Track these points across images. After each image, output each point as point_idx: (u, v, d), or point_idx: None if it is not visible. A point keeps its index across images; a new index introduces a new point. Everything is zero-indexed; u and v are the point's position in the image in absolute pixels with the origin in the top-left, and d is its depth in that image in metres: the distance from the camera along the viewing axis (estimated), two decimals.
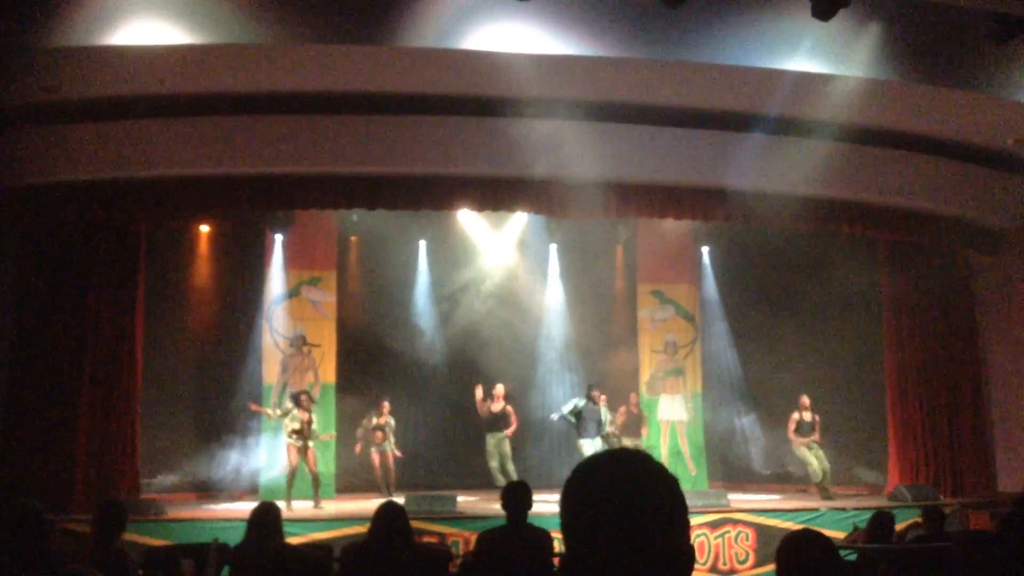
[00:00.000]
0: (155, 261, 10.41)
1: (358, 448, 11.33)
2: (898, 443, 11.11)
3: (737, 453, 12.26)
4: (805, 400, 10.72)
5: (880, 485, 11.28)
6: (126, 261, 9.88)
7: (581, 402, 10.80)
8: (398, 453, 11.44)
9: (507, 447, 10.98)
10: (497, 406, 11.02)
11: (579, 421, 10.75)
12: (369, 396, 11.63)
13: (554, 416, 11.00)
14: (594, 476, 1.28)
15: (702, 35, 7.66)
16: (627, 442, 10.92)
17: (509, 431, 11.02)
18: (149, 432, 10.19)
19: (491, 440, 10.98)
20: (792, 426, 10.68)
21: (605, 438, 10.76)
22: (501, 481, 10.57)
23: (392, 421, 11.52)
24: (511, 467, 10.90)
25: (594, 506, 1.23)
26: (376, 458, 11.32)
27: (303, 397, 10.26)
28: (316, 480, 10.11)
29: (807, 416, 10.70)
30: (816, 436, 10.62)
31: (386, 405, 11.51)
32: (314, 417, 10.25)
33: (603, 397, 10.93)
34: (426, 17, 7.32)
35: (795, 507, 9.67)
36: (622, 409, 11.36)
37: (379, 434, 11.33)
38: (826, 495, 10.34)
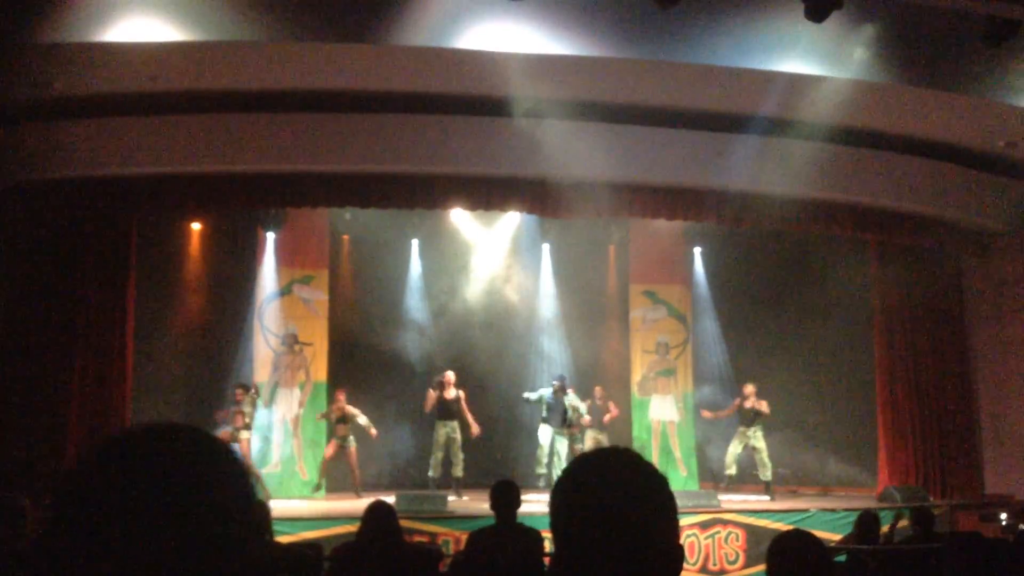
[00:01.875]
0: (147, 258, 10.36)
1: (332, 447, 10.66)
2: (888, 444, 11.13)
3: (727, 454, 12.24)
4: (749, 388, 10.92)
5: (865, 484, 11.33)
6: (118, 258, 9.82)
7: (547, 392, 11.00)
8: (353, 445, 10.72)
9: (459, 437, 10.70)
10: (450, 393, 10.72)
11: (548, 411, 10.97)
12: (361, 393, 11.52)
13: (525, 395, 11.17)
14: (584, 475, 1.28)
15: (695, 36, 7.68)
16: (590, 434, 11.11)
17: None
18: None
19: (443, 430, 10.66)
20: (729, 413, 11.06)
21: (570, 428, 10.92)
22: (455, 473, 10.56)
23: (352, 411, 10.65)
24: (460, 458, 10.63)
25: (584, 505, 1.23)
26: (330, 450, 10.60)
27: (238, 391, 10.24)
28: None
29: (748, 404, 10.86)
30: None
31: (341, 396, 10.79)
32: (250, 410, 10.23)
33: (570, 390, 11.06)
34: (419, 16, 7.31)
35: (785, 508, 9.69)
36: (587, 402, 11.33)
37: (339, 427, 10.64)
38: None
